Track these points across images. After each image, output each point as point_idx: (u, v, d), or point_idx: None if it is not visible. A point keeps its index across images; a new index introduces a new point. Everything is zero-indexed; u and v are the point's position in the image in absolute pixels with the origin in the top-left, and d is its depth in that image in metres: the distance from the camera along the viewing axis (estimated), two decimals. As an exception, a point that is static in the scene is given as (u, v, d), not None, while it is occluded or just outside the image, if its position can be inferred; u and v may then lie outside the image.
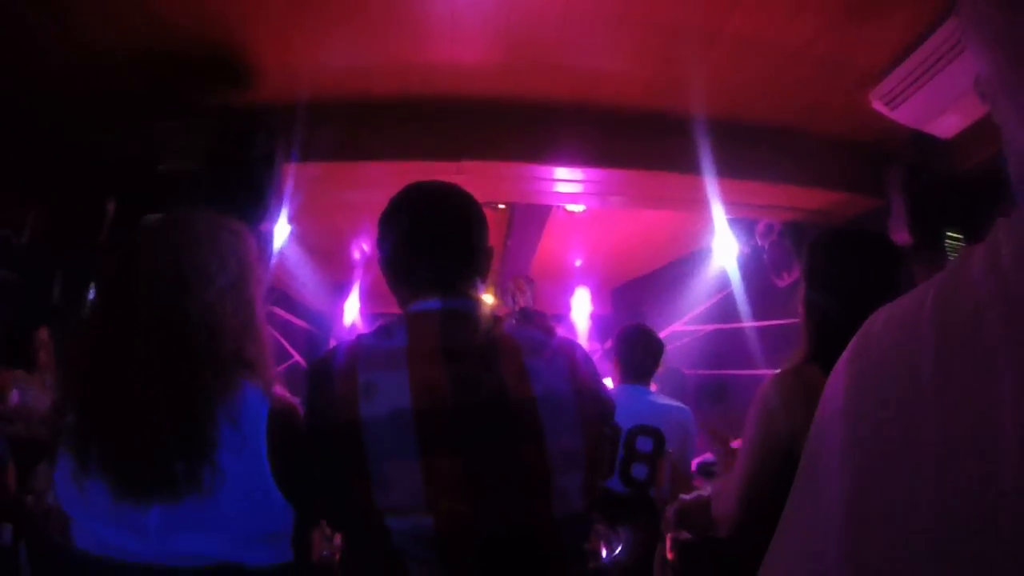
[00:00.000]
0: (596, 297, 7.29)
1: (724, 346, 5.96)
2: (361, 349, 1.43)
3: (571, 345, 1.50)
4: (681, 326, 6.40)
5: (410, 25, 3.40)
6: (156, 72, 3.85)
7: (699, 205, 4.48)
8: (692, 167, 3.99)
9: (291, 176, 4.10)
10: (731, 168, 4.06)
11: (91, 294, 4.53)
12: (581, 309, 7.18)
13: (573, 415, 1.38)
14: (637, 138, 4.07)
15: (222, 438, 1.31)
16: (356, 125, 4.09)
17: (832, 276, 1.80)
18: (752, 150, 4.14)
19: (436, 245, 1.53)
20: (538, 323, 4.19)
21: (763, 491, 1.66)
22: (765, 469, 1.67)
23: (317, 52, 3.67)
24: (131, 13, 3.36)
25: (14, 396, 3.54)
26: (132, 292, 1.41)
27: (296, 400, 1.46)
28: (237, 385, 1.37)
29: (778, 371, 1.78)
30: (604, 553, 1.69)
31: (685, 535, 2.05)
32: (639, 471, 3.09)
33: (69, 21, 3.45)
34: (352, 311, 7.23)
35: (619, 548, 1.71)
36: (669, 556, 2.05)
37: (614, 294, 7.94)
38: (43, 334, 3.80)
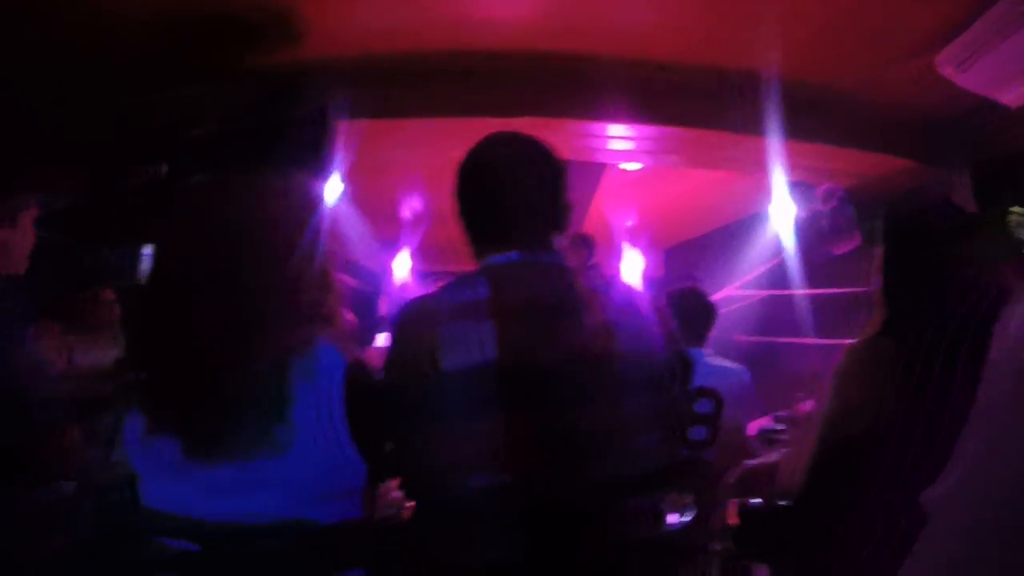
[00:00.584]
0: (648, 259, 7.12)
1: (777, 313, 5.86)
2: (442, 301, 1.41)
3: (651, 303, 1.47)
4: (734, 290, 6.31)
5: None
6: (197, 33, 3.84)
7: (756, 166, 4.41)
8: (749, 127, 3.92)
9: (340, 135, 4.07)
10: (789, 129, 3.94)
11: (147, 252, 4.60)
12: (633, 270, 6.98)
13: (653, 374, 1.36)
14: (693, 96, 3.97)
15: (297, 395, 1.28)
16: (404, 82, 4.07)
17: (909, 250, 1.75)
18: (812, 112, 4.02)
19: (516, 197, 1.49)
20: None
21: (833, 461, 1.64)
22: (835, 439, 1.64)
23: (361, 8, 3.64)
24: None
25: (69, 357, 3.60)
26: (200, 248, 1.39)
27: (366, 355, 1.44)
28: (312, 340, 1.34)
29: (854, 342, 1.74)
30: (674, 518, 1.66)
31: (751, 501, 2.02)
32: (698, 433, 3.06)
33: None
34: (403, 269, 7.23)
35: (689, 514, 1.69)
36: (731, 521, 2.03)
37: (666, 256, 7.78)
38: (108, 294, 3.82)
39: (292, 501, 1.30)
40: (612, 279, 1.54)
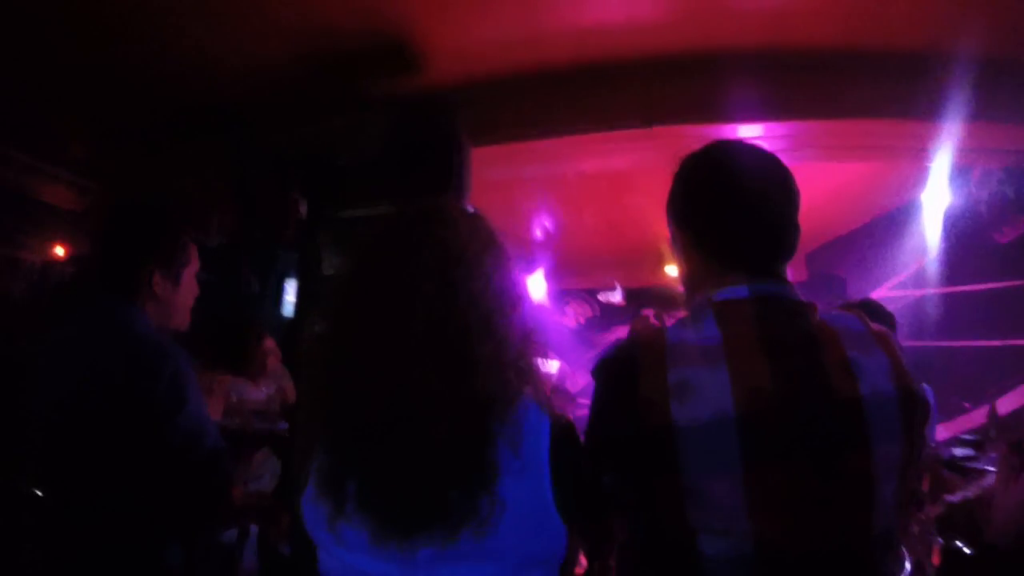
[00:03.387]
0: (791, 263, 6.72)
1: (935, 313, 5.43)
2: (666, 343, 1.26)
3: (887, 334, 1.30)
4: (886, 292, 5.90)
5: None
6: (327, 69, 3.98)
7: (901, 152, 4.12)
8: (892, 110, 3.64)
9: (471, 156, 4.07)
10: (937, 107, 3.57)
11: (293, 286, 4.81)
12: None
13: (897, 417, 1.20)
14: (827, 83, 3.69)
15: (502, 463, 1.17)
16: (534, 98, 4.02)
17: None
18: (964, 84, 3.57)
19: (752, 219, 1.33)
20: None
21: None
22: None
23: (483, 26, 3.62)
24: (293, 16, 3.54)
25: (231, 396, 3.76)
26: (389, 297, 1.23)
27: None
28: (516, 398, 1.22)
29: None
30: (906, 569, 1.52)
31: (958, 543, 1.84)
32: None
33: (237, 33, 3.71)
34: (537, 289, 7.12)
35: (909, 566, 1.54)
36: (935, 561, 1.85)
37: (808, 259, 7.21)
38: (270, 343, 3.96)
39: (494, 572, 1.20)
40: (841, 311, 1.36)
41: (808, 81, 3.69)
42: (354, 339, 1.25)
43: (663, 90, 3.81)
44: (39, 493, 1.79)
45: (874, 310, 3.29)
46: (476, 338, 1.19)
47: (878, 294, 5.80)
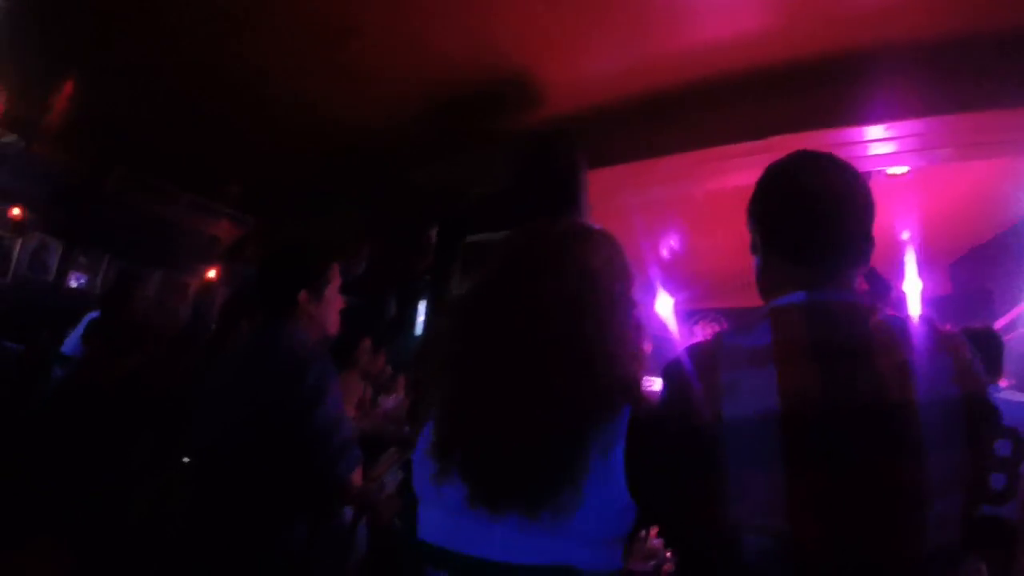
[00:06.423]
0: (931, 275, 6.34)
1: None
2: (722, 347, 1.34)
3: (956, 339, 1.28)
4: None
5: (680, 10, 3.34)
6: (455, 111, 4.35)
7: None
8: None
9: (592, 182, 4.17)
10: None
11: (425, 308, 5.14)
12: (913, 291, 6.13)
13: (960, 425, 1.18)
14: (960, 75, 3.43)
15: (591, 465, 1.25)
16: (647, 122, 4.11)
17: None
18: None
19: (814, 226, 1.38)
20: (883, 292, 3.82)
21: None
22: None
23: (592, 59, 3.79)
24: (422, 68, 3.97)
25: (366, 396, 4.25)
26: (524, 302, 1.35)
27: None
28: (619, 412, 1.30)
29: None
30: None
31: None
32: (996, 481, 2.64)
33: (373, 88, 4.22)
34: (665, 309, 7.08)
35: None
36: None
37: (952, 270, 6.81)
38: (365, 344, 4.38)
39: (566, 549, 1.27)
40: (909, 315, 1.35)
41: (927, 74, 3.49)
42: (489, 332, 1.38)
43: (776, 100, 3.76)
44: (186, 460, 2.27)
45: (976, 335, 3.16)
46: (596, 356, 1.30)
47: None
